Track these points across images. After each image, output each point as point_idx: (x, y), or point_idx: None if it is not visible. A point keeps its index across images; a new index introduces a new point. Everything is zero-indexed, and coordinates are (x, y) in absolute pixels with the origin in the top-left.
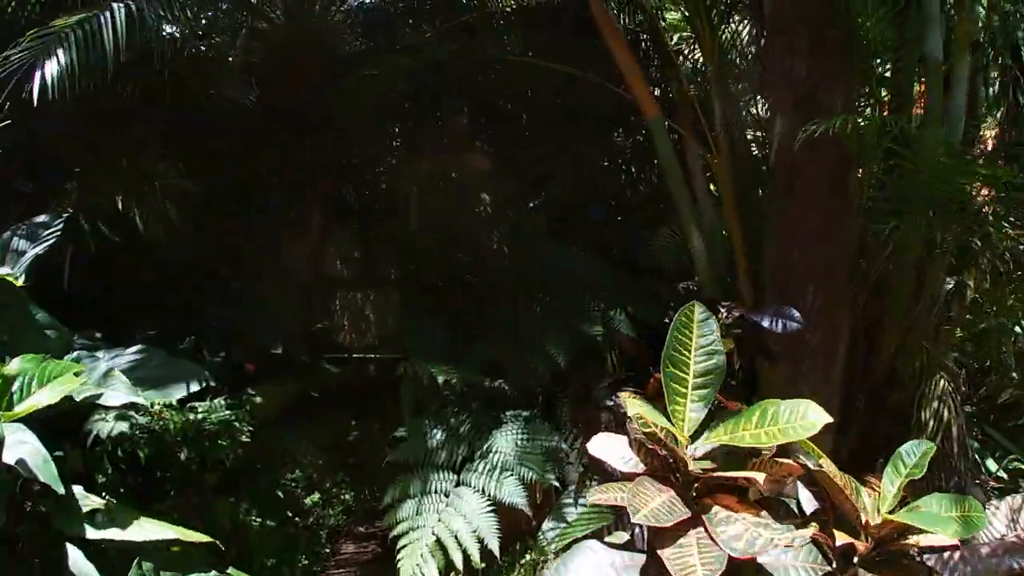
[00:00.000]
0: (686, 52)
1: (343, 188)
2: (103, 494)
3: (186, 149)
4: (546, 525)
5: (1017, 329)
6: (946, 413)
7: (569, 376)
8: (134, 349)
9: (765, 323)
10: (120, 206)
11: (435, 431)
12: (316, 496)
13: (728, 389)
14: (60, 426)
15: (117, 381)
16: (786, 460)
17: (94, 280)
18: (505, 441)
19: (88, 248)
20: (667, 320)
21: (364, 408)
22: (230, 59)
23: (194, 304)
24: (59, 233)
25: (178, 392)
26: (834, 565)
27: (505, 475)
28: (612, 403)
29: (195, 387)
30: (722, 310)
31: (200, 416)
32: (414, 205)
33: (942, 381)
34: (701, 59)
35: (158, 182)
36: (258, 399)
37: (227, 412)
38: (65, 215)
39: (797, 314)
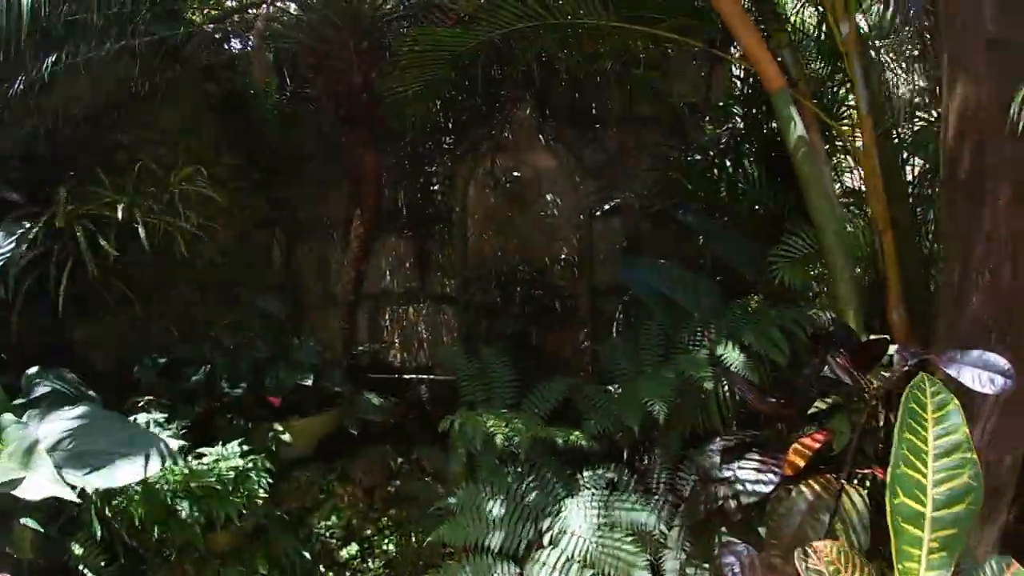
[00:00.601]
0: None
1: (389, 189)
2: (80, 568)
3: (209, 148)
4: None
5: None
6: None
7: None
8: (75, 413)
9: (966, 380)
10: (120, 216)
11: (492, 503)
12: (354, 547)
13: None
14: None
15: (41, 463)
16: None
17: (93, 299)
18: (581, 518)
19: (85, 263)
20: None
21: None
22: (253, 43)
23: (211, 326)
24: (9, 255)
25: (130, 474)
26: None
27: (585, 574)
28: (730, 474)
29: (155, 466)
30: (896, 355)
31: (207, 466)
32: (469, 208)
33: None
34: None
35: (176, 189)
36: (286, 436)
37: (240, 461)
38: (20, 230)
39: (1007, 366)
